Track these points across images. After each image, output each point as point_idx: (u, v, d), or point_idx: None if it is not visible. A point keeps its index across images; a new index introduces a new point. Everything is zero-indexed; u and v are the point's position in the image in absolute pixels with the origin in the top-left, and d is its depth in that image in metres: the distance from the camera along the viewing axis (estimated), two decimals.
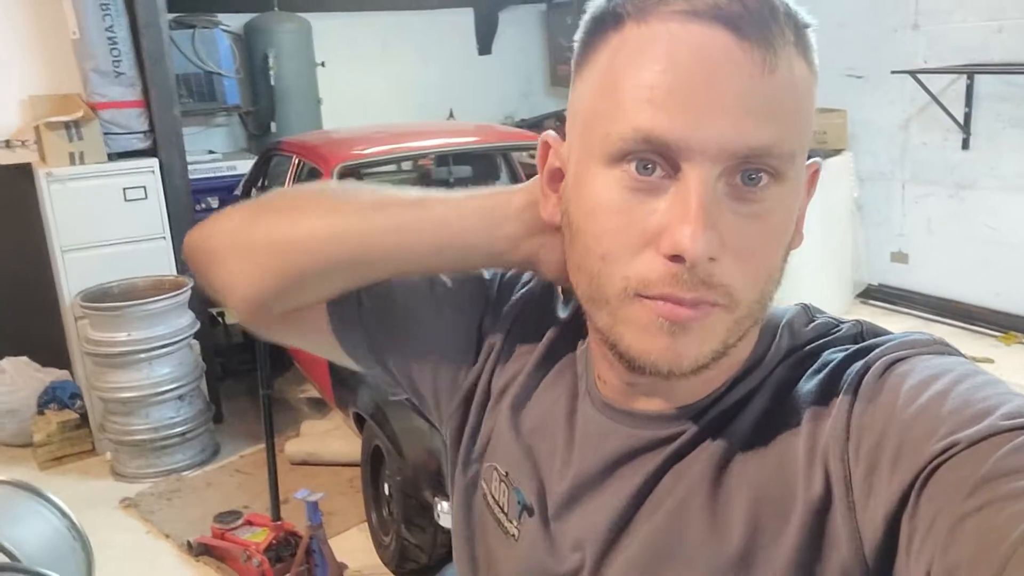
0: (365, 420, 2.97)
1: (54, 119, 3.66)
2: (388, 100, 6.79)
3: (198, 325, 3.84)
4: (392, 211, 0.70)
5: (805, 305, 0.65)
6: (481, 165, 4.35)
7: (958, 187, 4.70)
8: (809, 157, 0.59)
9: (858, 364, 0.56)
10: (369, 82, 6.86)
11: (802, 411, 0.57)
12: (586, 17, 0.58)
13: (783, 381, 0.60)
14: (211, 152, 6.17)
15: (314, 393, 4.27)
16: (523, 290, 0.78)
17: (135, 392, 3.60)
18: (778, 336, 0.62)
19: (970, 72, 4.47)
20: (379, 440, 2.87)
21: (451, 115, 7.11)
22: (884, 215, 5.14)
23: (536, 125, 7.20)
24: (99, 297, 3.67)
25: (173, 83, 4.00)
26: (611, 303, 0.56)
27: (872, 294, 5.18)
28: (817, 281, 5.03)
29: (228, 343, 4.85)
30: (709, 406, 0.61)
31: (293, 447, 3.73)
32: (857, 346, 0.59)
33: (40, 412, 3.86)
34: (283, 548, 2.87)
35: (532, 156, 4.94)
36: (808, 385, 0.58)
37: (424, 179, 4.60)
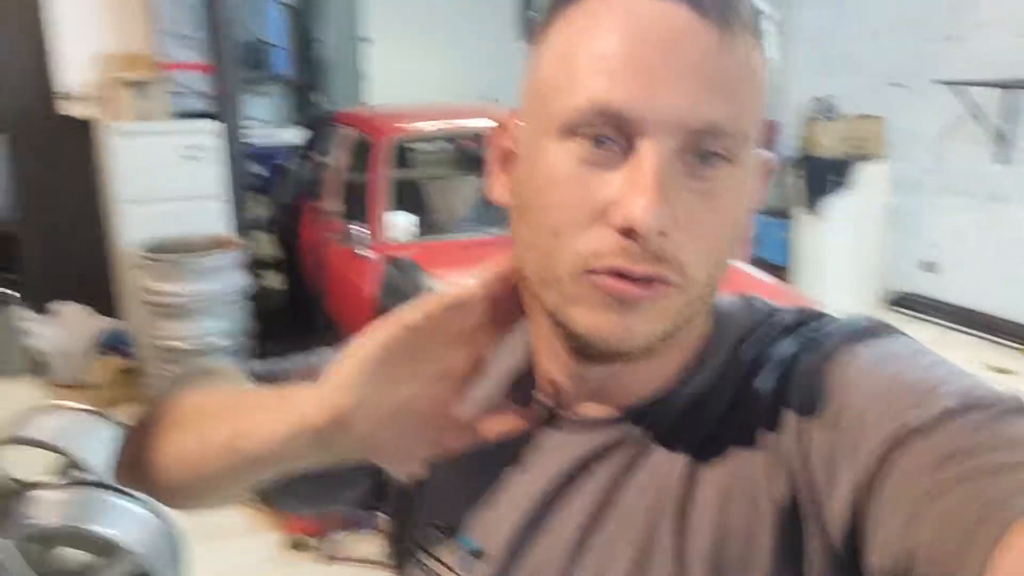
0: None
1: (125, 75, 3.81)
2: (432, 81, 6.91)
3: (251, 285, 4.00)
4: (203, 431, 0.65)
5: (743, 294, 0.64)
6: None
7: (992, 199, 4.79)
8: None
9: (806, 357, 0.56)
10: (414, 62, 6.98)
11: (757, 411, 0.56)
12: None
13: (735, 380, 0.58)
14: (255, 120, 6.30)
15: None
16: None
17: (187, 343, 3.76)
18: (721, 328, 0.61)
19: (1010, 86, 4.55)
20: None
21: (496, 102, 7.24)
22: (917, 224, 5.23)
23: None
24: (156, 249, 3.83)
25: (238, 51, 4.14)
26: (562, 282, 0.54)
27: (900, 302, 5.29)
28: (846, 284, 5.15)
29: (276, 309, 5.00)
30: (657, 404, 0.60)
31: None
32: (803, 336, 0.58)
33: (100, 356, 4.03)
34: None
35: None
36: (760, 383, 0.57)
37: (466, 158, 4.72)
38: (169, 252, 3.82)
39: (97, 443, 2.29)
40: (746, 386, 0.57)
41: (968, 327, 4.81)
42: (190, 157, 3.97)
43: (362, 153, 4.12)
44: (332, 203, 3.40)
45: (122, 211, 3.91)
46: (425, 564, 0.68)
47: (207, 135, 4.01)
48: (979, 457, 0.45)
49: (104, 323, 4.24)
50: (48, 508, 1.90)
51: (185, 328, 3.79)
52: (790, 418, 0.54)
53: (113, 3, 4.04)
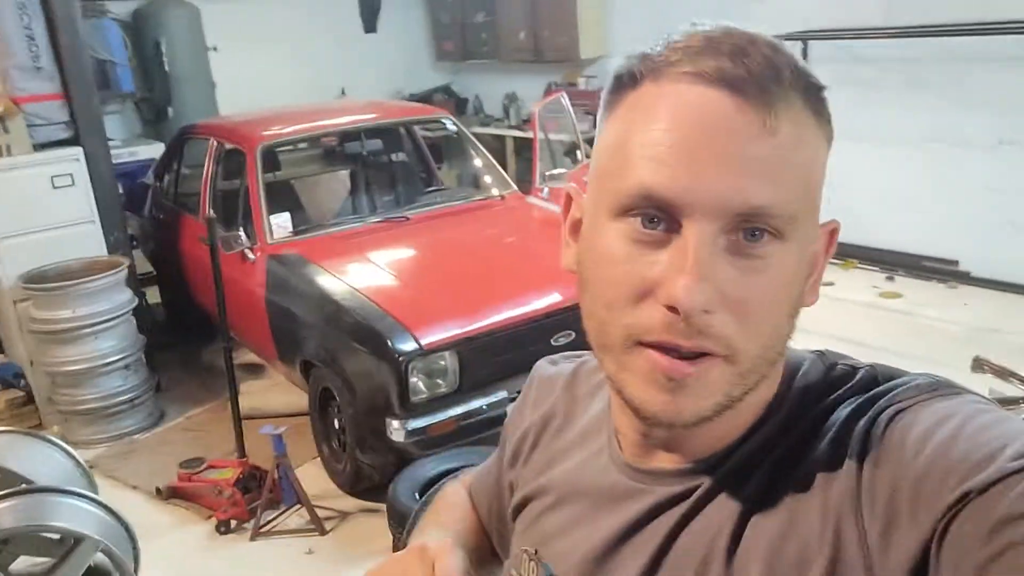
0: (312, 366, 3.39)
1: None
2: (280, 81, 7.01)
3: (136, 301, 4.13)
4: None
5: (821, 352, 0.66)
6: (387, 139, 4.76)
7: None
8: None
9: (864, 420, 0.56)
10: (260, 64, 7.07)
11: (815, 470, 0.57)
12: (609, 75, 0.62)
13: (798, 438, 0.60)
14: (110, 140, 6.28)
15: (246, 360, 4.62)
16: (529, 391, 0.88)
17: (84, 364, 3.87)
18: (793, 388, 0.63)
19: (805, 38, 5.19)
20: (328, 381, 3.30)
21: (343, 93, 7.44)
22: None
23: (425, 99, 7.64)
24: (38, 279, 3.90)
25: (91, 75, 4.21)
26: (615, 350, 0.58)
27: None
28: None
29: (154, 321, 5.09)
30: (723, 459, 0.62)
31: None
32: (864, 396, 0.59)
33: None
34: (250, 481, 3.28)
35: (429, 129, 5.38)
36: (820, 443, 0.58)
37: (332, 155, 4.96)
38: (51, 281, 3.90)
39: (34, 458, 2.48)
40: (809, 444, 0.58)
41: None
42: (58, 186, 4.04)
43: (231, 162, 4.31)
44: (209, 212, 3.56)
45: None
46: None
47: (71, 162, 4.08)
48: None
49: None
50: (5, 514, 2.08)
51: (77, 351, 3.90)
52: (849, 475, 0.55)
53: None
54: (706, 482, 0.62)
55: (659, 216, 0.55)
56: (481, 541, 0.93)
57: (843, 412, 0.58)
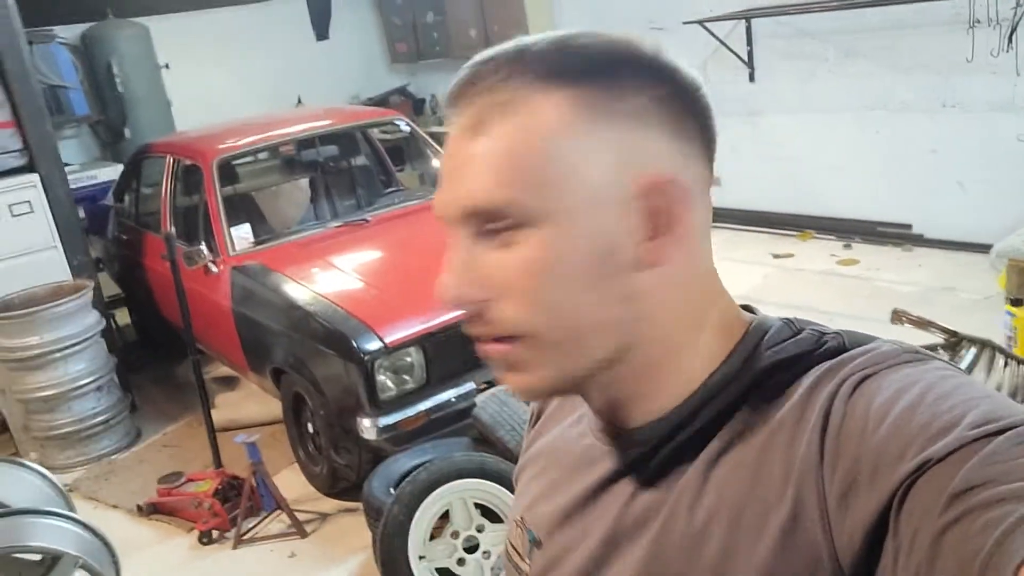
0: (283, 373, 3.44)
1: None
2: (235, 94, 7.02)
3: (104, 323, 4.14)
4: None
5: (789, 320, 0.66)
6: (343, 144, 4.80)
7: (750, 115, 5.56)
8: None
9: (830, 386, 0.57)
10: (214, 79, 7.07)
11: (779, 433, 0.58)
12: None
13: (761, 402, 0.61)
14: (67, 165, 6.28)
15: (219, 373, 4.65)
16: None
17: (56, 389, 3.89)
18: (758, 353, 0.63)
19: (748, 17, 5.29)
20: (299, 387, 3.35)
21: (299, 101, 7.44)
22: None
23: (382, 102, 7.66)
24: (2, 308, 3.91)
25: (41, 100, 4.21)
26: None
27: None
28: None
29: (124, 342, 5.11)
30: (685, 421, 0.63)
31: (214, 416, 4.11)
32: (830, 362, 0.59)
33: None
34: (229, 491, 3.32)
35: (385, 132, 5.43)
36: (785, 407, 0.59)
37: (290, 164, 4.99)
38: (17, 308, 3.91)
39: (7, 482, 2.51)
40: (774, 408, 0.59)
41: (753, 225, 5.60)
42: (16, 214, 4.05)
43: (189, 177, 4.33)
44: (170, 229, 3.60)
45: None
46: (508, 552, 0.79)
47: (27, 189, 4.09)
48: (990, 489, 0.45)
49: None
50: None
51: (48, 376, 3.91)
52: (812, 441, 0.56)
53: None
54: (670, 444, 0.63)
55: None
56: None
57: (808, 378, 0.59)
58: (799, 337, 0.63)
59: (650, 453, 0.64)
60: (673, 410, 0.63)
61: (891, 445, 0.50)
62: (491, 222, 0.58)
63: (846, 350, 0.60)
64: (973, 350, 1.95)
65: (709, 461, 0.61)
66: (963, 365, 1.90)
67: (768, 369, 0.62)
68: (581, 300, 0.59)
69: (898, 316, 1.94)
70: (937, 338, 1.94)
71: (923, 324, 1.95)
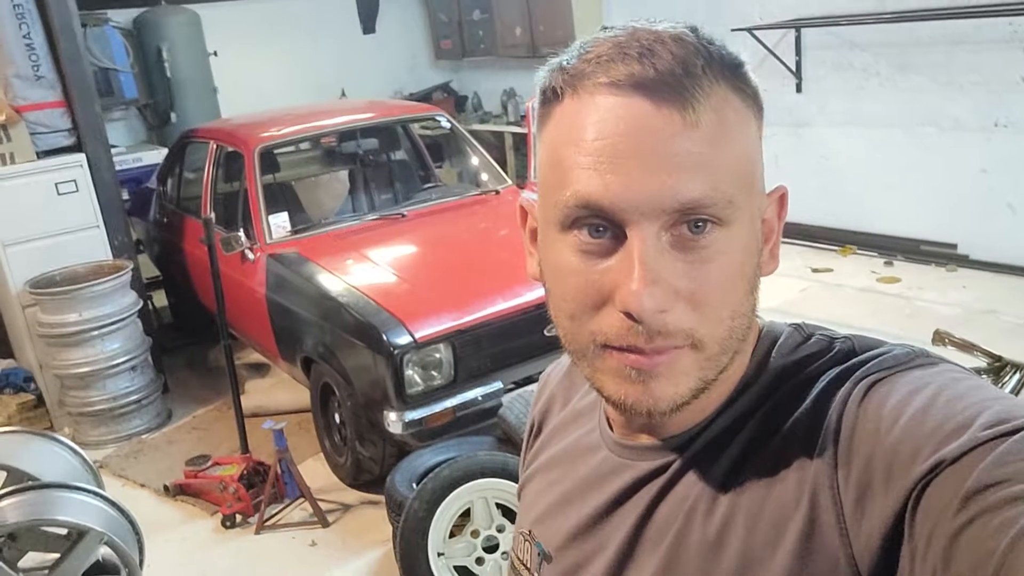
0: (313, 362, 3.45)
1: None
2: (280, 84, 7.10)
3: (141, 303, 4.20)
4: None
5: (798, 325, 0.66)
6: (384, 138, 4.81)
7: (796, 125, 5.48)
8: None
9: (842, 391, 0.57)
10: (261, 68, 7.16)
11: (792, 440, 0.58)
12: (536, 88, 0.64)
13: (774, 409, 0.61)
14: (114, 147, 6.40)
15: (250, 359, 4.69)
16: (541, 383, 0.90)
17: (91, 367, 3.95)
18: (770, 360, 0.63)
19: (798, 26, 5.21)
20: (328, 377, 3.37)
21: (343, 94, 7.50)
22: None
23: (424, 98, 7.69)
24: (45, 284, 3.98)
25: (92, 81, 4.29)
26: (586, 355, 0.60)
27: None
28: None
29: (159, 324, 5.18)
30: (700, 433, 0.64)
31: (243, 402, 4.15)
32: (842, 367, 0.59)
33: None
34: (254, 476, 3.35)
35: (428, 127, 5.44)
36: (798, 414, 0.59)
37: (330, 155, 5.02)
38: (58, 285, 3.99)
39: (41, 456, 2.55)
40: (787, 415, 0.60)
41: (793, 238, 5.51)
42: (62, 192, 4.13)
43: (231, 164, 4.37)
44: (211, 214, 3.64)
45: (6, 252, 4.04)
46: (515, 565, 0.79)
47: (74, 168, 4.16)
48: (1005, 489, 0.45)
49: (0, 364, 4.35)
50: (11, 510, 2.15)
51: (84, 353, 3.98)
52: (825, 446, 0.56)
53: None
54: (685, 455, 0.63)
55: (603, 225, 0.57)
56: None
57: (821, 383, 0.59)
58: (809, 343, 0.63)
59: (666, 464, 0.64)
60: (705, 419, 0.64)
61: (905, 447, 0.51)
62: (699, 219, 0.56)
63: (856, 354, 0.60)
64: (1018, 375, 1.90)
65: (724, 470, 0.61)
66: (1007, 391, 1.85)
67: (780, 375, 0.62)
68: (744, 306, 0.60)
69: (940, 337, 1.90)
70: (980, 362, 1.89)
71: (966, 347, 1.90)
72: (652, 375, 0.57)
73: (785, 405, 0.60)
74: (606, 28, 0.60)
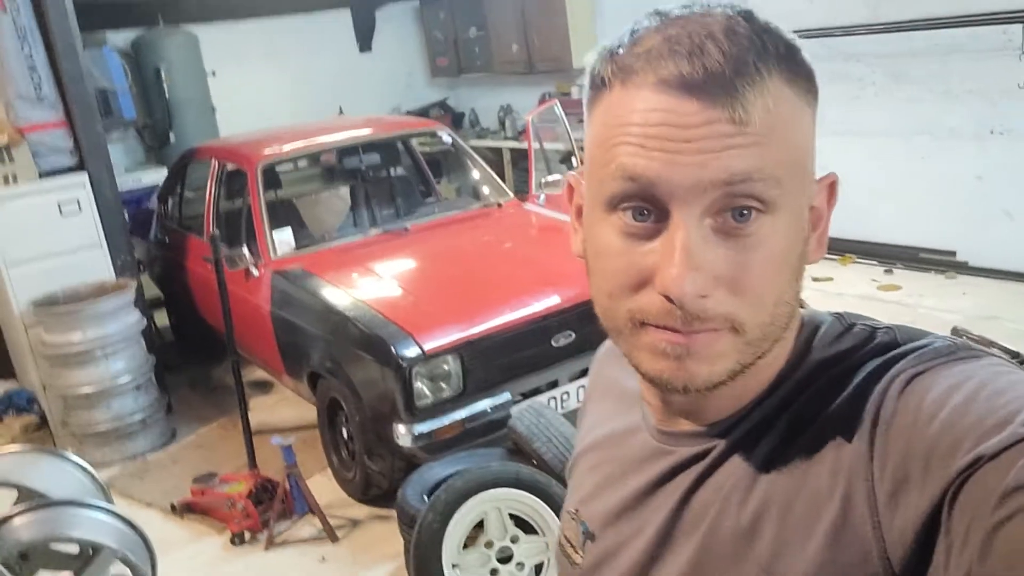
0: (320, 378, 3.45)
1: None
2: (278, 103, 7.13)
3: (145, 322, 4.19)
4: None
5: (839, 314, 0.66)
6: (385, 153, 4.83)
7: None
8: None
9: (881, 382, 0.57)
10: (259, 87, 7.19)
11: (830, 430, 0.58)
12: (585, 72, 0.63)
13: (812, 399, 0.61)
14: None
15: (253, 376, 4.68)
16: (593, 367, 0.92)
17: (97, 387, 3.94)
18: (811, 350, 0.64)
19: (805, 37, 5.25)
20: (335, 391, 3.36)
21: (341, 111, 7.53)
22: None
23: (422, 115, 7.73)
24: (48, 303, 3.97)
25: (93, 101, 4.30)
26: (624, 333, 0.61)
27: None
28: None
29: (162, 343, 5.17)
30: (739, 421, 0.64)
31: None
32: (882, 359, 0.59)
33: (2, 417, 4.13)
34: (262, 493, 3.33)
35: (426, 143, 5.46)
36: (837, 403, 0.59)
37: (332, 171, 5.04)
38: (61, 304, 3.98)
39: (50, 473, 2.54)
40: (826, 404, 0.59)
41: None
42: (65, 212, 4.12)
43: (233, 182, 4.39)
44: (213, 232, 3.64)
45: (7, 274, 4.03)
46: (561, 543, 0.81)
47: (77, 188, 4.16)
48: None
49: (2, 385, 4.33)
50: (24, 528, 2.14)
51: (88, 374, 3.96)
52: (863, 437, 0.56)
53: None
54: (723, 442, 0.64)
55: (647, 208, 0.57)
56: None
57: (861, 374, 0.59)
58: (850, 333, 0.63)
59: (705, 451, 0.65)
60: (744, 407, 0.64)
61: (943, 441, 0.50)
62: (744, 207, 0.55)
63: (898, 345, 0.60)
64: None
65: (761, 458, 0.61)
66: None
67: (820, 366, 0.62)
68: (788, 294, 0.59)
69: (957, 334, 1.89)
70: None
71: (984, 344, 1.90)
72: (688, 353, 0.58)
73: (824, 396, 0.60)
74: (658, 12, 0.59)
